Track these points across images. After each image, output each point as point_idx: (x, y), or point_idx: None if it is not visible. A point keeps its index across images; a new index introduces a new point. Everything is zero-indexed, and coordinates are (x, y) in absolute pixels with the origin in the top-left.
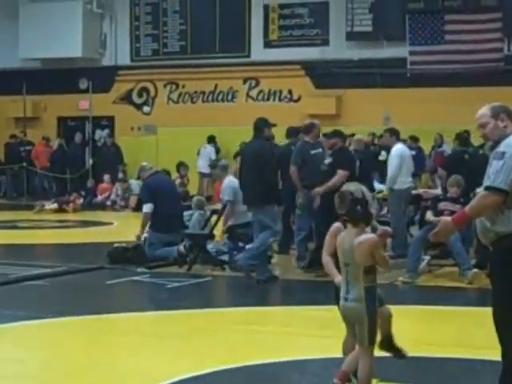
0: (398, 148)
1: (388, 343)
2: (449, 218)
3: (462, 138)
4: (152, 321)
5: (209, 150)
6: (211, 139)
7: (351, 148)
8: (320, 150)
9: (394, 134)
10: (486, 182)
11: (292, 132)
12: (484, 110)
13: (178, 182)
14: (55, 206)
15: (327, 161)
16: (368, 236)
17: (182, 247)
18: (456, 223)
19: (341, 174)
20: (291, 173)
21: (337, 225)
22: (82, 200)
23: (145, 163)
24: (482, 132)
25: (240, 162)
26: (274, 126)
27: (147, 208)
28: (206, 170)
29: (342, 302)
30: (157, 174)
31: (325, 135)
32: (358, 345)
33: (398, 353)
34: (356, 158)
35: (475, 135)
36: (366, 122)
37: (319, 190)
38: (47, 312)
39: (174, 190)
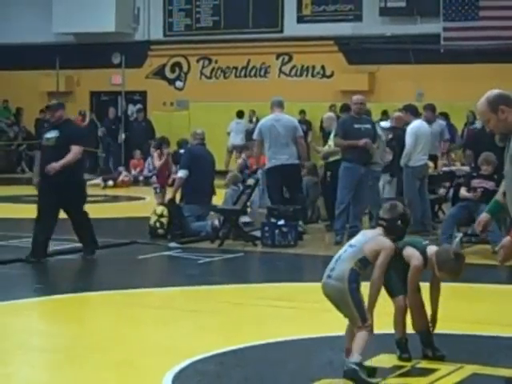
0: (415, 125)
1: (427, 339)
2: (509, 238)
3: None
4: (184, 296)
5: (243, 124)
6: (241, 114)
7: (390, 125)
8: (368, 125)
9: (408, 111)
10: None
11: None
12: (483, 107)
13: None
14: (111, 183)
15: (52, 135)
16: (390, 242)
17: (216, 221)
18: None
19: (76, 149)
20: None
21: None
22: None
23: (199, 130)
24: (488, 127)
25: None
26: None
27: (182, 173)
28: (239, 142)
29: (324, 278)
30: (201, 146)
31: (47, 107)
32: (353, 327)
33: (435, 351)
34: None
35: None
36: (398, 99)
37: (55, 165)
38: (79, 286)
39: (211, 165)
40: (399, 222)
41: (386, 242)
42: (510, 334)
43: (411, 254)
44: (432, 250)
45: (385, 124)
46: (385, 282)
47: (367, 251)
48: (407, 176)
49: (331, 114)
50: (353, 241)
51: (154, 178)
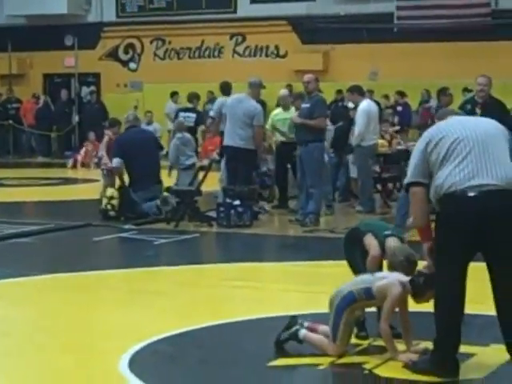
0: (365, 105)
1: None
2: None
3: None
4: (139, 277)
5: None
6: (173, 95)
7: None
8: (307, 104)
9: (355, 92)
10: None
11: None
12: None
13: None
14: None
15: None
16: (399, 289)
17: (158, 201)
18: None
19: None
20: None
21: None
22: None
23: (130, 115)
24: None
25: None
26: None
27: (115, 163)
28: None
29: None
30: (131, 129)
31: None
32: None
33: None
34: None
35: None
36: (353, 78)
37: None
38: (34, 269)
39: (148, 145)
40: (422, 278)
41: (395, 289)
42: (469, 311)
43: (369, 243)
44: (389, 243)
45: (351, 104)
46: (350, 260)
47: (376, 287)
48: (360, 156)
49: (285, 91)
50: (379, 273)
51: (105, 159)
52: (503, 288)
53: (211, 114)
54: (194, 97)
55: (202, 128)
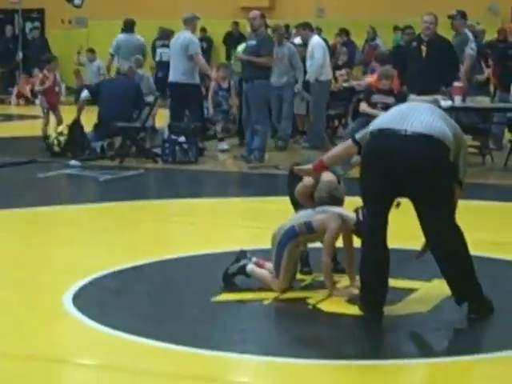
0: (318, 39)
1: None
2: (311, 166)
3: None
4: (85, 213)
5: None
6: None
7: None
8: (252, 41)
9: (307, 28)
10: None
11: None
12: None
13: None
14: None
15: None
16: (337, 223)
17: (105, 144)
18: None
19: None
20: None
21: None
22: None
23: (125, 66)
24: None
25: None
26: None
27: (82, 94)
28: None
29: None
30: (118, 76)
31: None
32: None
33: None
34: None
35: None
36: (299, 15)
37: None
38: None
39: (124, 96)
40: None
41: (333, 223)
42: (411, 247)
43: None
44: (322, 177)
45: (298, 41)
46: (290, 194)
47: (316, 220)
48: (318, 91)
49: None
50: (322, 207)
51: (42, 99)
52: (426, 229)
53: (110, 50)
54: (169, 32)
55: None
